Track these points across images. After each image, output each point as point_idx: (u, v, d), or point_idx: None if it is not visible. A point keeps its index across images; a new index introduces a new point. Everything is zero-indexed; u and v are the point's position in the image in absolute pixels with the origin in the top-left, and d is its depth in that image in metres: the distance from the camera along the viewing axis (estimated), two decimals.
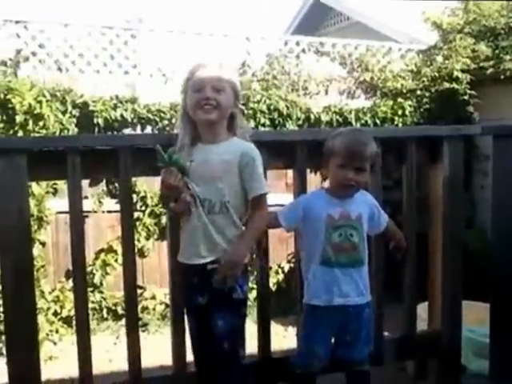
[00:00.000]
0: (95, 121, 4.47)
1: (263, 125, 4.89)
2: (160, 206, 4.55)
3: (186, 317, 2.09)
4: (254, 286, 2.33)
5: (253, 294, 2.49)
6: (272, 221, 2.09)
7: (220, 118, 1.92)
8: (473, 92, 5.24)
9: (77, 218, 2.01)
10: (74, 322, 2.19)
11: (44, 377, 2.02)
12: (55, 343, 4.22)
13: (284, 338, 3.99)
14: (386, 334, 2.48)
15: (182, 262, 2.01)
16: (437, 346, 2.50)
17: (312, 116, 5.07)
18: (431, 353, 2.54)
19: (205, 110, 1.87)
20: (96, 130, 4.46)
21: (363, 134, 2.12)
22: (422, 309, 2.63)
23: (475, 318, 2.95)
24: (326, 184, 2.15)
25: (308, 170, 2.29)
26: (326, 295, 2.03)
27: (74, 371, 2.05)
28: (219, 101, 1.88)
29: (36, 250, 4.14)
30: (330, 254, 2.02)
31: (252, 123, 4.84)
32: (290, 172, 2.33)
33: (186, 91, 1.94)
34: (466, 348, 2.61)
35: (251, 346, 2.21)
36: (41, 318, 4.05)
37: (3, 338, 3.62)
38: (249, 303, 2.07)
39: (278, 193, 4.28)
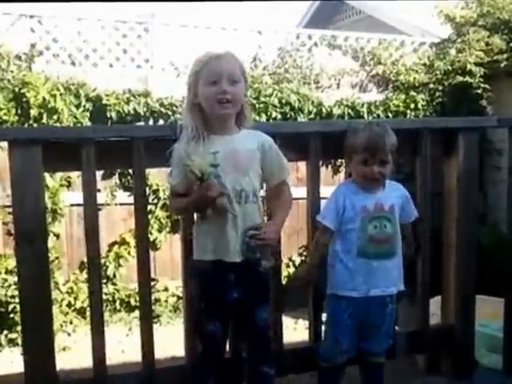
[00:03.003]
0: (108, 114, 4.51)
1: (275, 118, 4.90)
2: None
3: (202, 318, 1.95)
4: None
5: None
6: (322, 235, 2.09)
7: (235, 112, 1.89)
8: (486, 86, 5.21)
9: (91, 209, 2.00)
10: (87, 313, 2.21)
11: (58, 367, 2.03)
12: (69, 334, 4.27)
13: (294, 330, 4.01)
14: (398, 328, 2.47)
15: (209, 260, 1.89)
16: (450, 340, 2.48)
17: (324, 110, 5.07)
18: (444, 347, 2.53)
19: (222, 105, 1.82)
20: (109, 123, 4.49)
21: (381, 127, 2.10)
22: (435, 303, 2.61)
23: (489, 312, 2.91)
24: (348, 179, 2.16)
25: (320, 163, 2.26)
26: (363, 286, 2.04)
27: (87, 362, 2.06)
28: (235, 94, 1.83)
29: (50, 242, 4.20)
30: (367, 246, 2.03)
31: (264, 117, 4.85)
32: (301, 165, 2.31)
33: (195, 82, 1.86)
34: (479, 343, 2.59)
35: None
36: (55, 310, 4.10)
37: (19, 328, 3.71)
38: None
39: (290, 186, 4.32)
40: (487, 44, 5.36)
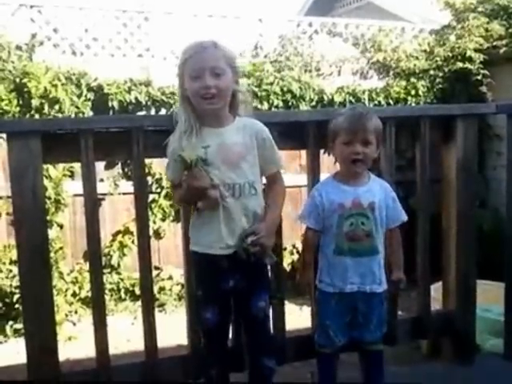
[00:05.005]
0: (110, 104, 4.52)
1: (276, 106, 4.91)
2: None
3: (200, 306, 1.96)
4: (268, 267, 2.35)
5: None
6: (308, 236, 2.10)
7: (223, 104, 1.84)
8: (486, 72, 5.21)
9: (91, 198, 2.00)
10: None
11: (63, 356, 2.09)
12: (74, 324, 4.32)
13: (299, 317, 4.04)
14: (400, 313, 2.48)
15: (203, 252, 1.90)
16: (451, 325, 2.50)
17: (325, 97, 5.09)
18: (445, 333, 2.54)
19: (207, 100, 1.79)
20: (111, 112, 4.51)
21: (363, 109, 2.09)
22: (436, 289, 2.63)
23: (490, 297, 2.95)
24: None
25: (322, 151, 2.25)
26: (339, 283, 2.03)
27: (92, 351, 2.07)
28: (220, 87, 1.79)
29: (54, 232, 4.24)
30: (343, 244, 2.01)
31: (265, 105, 4.86)
32: (304, 153, 2.32)
33: (182, 74, 1.84)
34: (481, 327, 2.60)
35: None
36: (60, 299, 4.15)
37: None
38: None
39: (292, 174, 4.34)
40: (487, 30, 5.35)
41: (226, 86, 1.81)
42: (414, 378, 2.37)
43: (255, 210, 1.86)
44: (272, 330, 2.11)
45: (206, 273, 1.92)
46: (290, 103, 4.97)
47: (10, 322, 4.14)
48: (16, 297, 4.00)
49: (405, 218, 2.11)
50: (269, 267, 2.00)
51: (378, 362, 2.18)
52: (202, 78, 1.78)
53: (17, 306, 4.03)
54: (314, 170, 2.23)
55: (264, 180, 1.96)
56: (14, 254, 4.12)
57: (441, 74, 5.39)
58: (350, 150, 1.98)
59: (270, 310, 2.04)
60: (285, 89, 4.96)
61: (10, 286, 4.12)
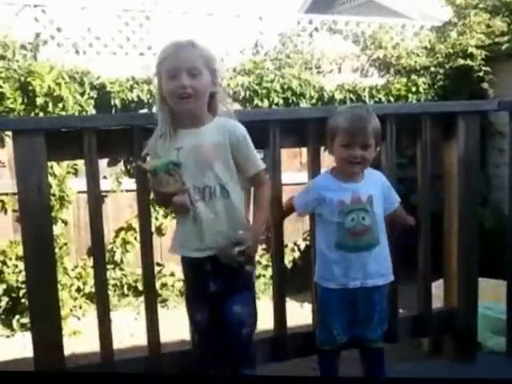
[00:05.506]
0: (112, 102, 4.55)
1: (277, 104, 4.93)
2: None
3: (189, 307, 2.01)
4: (270, 264, 2.37)
5: (269, 272, 2.51)
6: (289, 207, 2.15)
7: (200, 104, 1.82)
8: (487, 68, 5.20)
9: (94, 195, 2.03)
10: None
11: (68, 351, 2.10)
12: (79, 318, 4.37)
13: (300, 314, 4.07)
14: (401, 311, 2.49)
15: (187, 256, 1.92)
16: (452, 323, 2.49)
17: (325, 94, 5.09)
18: (447, 330, 2.53)
19: (184, 100, 1.77)
20: (113, 111, 4.54)
21: (363, 109, 2.06)
22: (438, 287, 2.62)
23: (492, 294, 2.94)
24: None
25: (322, 148, 2.25)
26: (342, 279, 2.04)
27: (97, 345, 2.10)
28: (196, 88, 1.77)
29: (58, 229, 4.30)
30: (345, 239, 2.01)
31: (266, 102, 4.89)
32: (305, 151, 2.32)
33: (159, 74, 1.82)
34: (483, 325, 2.59)
35: (267, 322, 2.26)
36: (64, 294, 4.20)
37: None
38: (265, 281, 2.08)
39: (293, 172, 4.38)
40: (488, 26, 5.33)
41: (202, 86, 1.79)
42: (415, 375, 2.35)
43: (227, 213, 1.83)
44: (273, 327, 2.16)
45: (191, 273, 1.96)
46: (290, 101, 4.98)
47: (17, 317, 4.21)
48: (22, 292, 4.07)
49: (398, 199, 2.16)
50: (253, 270, 1.97)
51: (379, 360, 2.18)
52: (178, 77, 1.76)
53: (23, 300, 4.10)
54: (314, 167, 2.24)
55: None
56: (20, 250, 4.16)
57: (442, 71, 5.37)
58: (348, 153, 1.98)
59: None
60: (285, 86, 4.97)
61: (17, 280, 4.19)
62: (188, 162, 1.80)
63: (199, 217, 1.81)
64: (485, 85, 5.25)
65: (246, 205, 1.93)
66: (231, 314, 1.87)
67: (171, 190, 1.77)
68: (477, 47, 5.22)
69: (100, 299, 2.08)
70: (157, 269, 4.43)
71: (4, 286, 4.24)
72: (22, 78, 4.29)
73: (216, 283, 1.87)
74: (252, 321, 1.93)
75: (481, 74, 5.22)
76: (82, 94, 4.49)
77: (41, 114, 4.26)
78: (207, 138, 1.81)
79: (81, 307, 4.45)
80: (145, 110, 4.67)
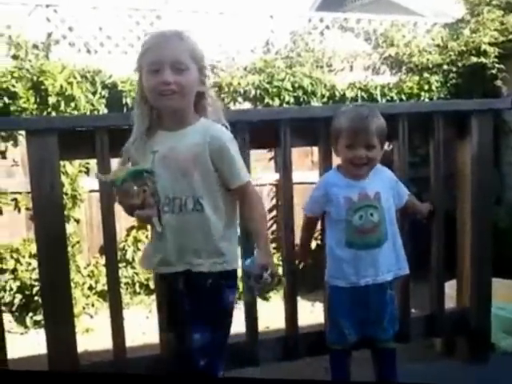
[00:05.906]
0: (124, 101, 4.56)
1: (288, 102, 4.92)
2: None
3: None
4: (281, 263, 2.37)
5: (280, 271, 2.52)
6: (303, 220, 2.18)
7: (185, 103, 1.63)
8: (501, 66, 5.16)
9: (106, 194, 2.04)
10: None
11: (81, 349, 2.09)
12: (91, 316, 4.40)
13: (311, 313, 4.06)
14: (413, 311, 2.48)
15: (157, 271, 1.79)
16: (465, 323, 2.48)
17: (337, 93, 5.08)
18: (459, 331, 2.52)
19: (166, 97, 1.57)
20: (125, 110, 4.55)
21: (367, 109, 2.02)
22: (451, 286, 2.61)
23: (506, 295, 2.92)
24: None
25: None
26: (352, 277, 2.03)
27: (109, 343, 2.11)
28: (182, 84, 1.57)
29: (71, 227, 4.33)
30: (354, 237, 2.00)
31: (277, 101, 4.88)
32: (316, 149, 2.31)
33: (140, 69, 1.62)
34: (496, 326, 2.58)
35: (279, 321, 2.28)
36: (77, 292, 4.24)
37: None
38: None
39: (304, 171, 4.36)
40: (502, 23, 5.30)
41: (188, 83, 1.59)
42: (427, 376, 2.35)
43: (200, 228, 1.62)
44: (285, 326, 2.14)
45: (158, 289, 1.90)
46: (301, 99, 4.98)
47: (30, 314, 4.25)
48: (35, 289, 4.11)
49: (407, 192, 2.16)
50: (231, 294, 1.73)
51: (391, 360, 2.17)
52: (160, 72, 1.56)
53: (36, 298, 4.13)
54: (325, 166, 2.23)
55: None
56: (33, 248, 4.20)
57: (455, 69, 5.34)
58: (352, 154, 1.97)
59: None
60: (296, 85, 4.97)
61: (30, 278, 4.23)
62: (161, 167, 1.62)
63: (164, 231, 1.65)
64: (498, 82, 5.22)
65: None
66: (192, 341, 1.66)
67: (136, 202, 1.60)
68: (490, 44, 5.19)
69: (112, 297, 2.09)
70: None
71: (17, 283, 4.28)
72: (35, 78, 4.33)
73: (184, 304, 1.70)
74: (215, 351, 1.69)
75: (494, 71, 5.19)
76: (94, 93, 4.52)
77: (53, 114, 4.29)
78: (185, 142, 1.61)
79: (93, 305, 4.48)
80: None
